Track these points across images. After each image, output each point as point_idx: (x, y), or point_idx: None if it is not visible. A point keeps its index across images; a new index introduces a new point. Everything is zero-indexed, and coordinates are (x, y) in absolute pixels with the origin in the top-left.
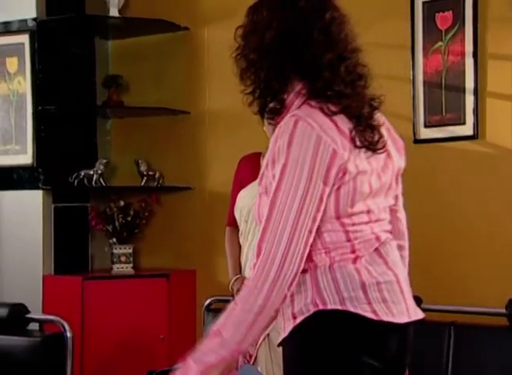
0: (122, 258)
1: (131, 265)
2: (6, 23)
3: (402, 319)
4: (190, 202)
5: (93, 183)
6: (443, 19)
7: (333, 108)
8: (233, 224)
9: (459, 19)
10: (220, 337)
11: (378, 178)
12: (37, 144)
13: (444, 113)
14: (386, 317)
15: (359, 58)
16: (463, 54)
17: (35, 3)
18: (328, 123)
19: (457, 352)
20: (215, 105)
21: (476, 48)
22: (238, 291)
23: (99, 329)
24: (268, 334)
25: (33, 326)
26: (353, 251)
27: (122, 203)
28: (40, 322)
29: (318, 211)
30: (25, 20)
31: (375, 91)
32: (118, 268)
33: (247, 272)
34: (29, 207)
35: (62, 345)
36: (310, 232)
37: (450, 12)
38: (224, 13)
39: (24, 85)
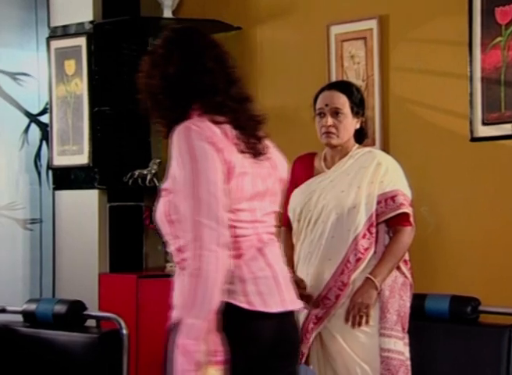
0: None
1: None
2: (64, 27)
3: (276, 309)
4: None
5: (147, 182)
6: (503, 13)
7: (220, 119)
8: (288, 224)
9: None
10: (192, 308)
11: (263, 183)
12: (93, 145)
13: (503, 110)
14: (260, 307)
15: (243, 83)
16: None
17: (92, 6)
18: (214, 128)
19: None
20: (266, 104)
21: None
22: None
23: (153, 326)
24: (319, 333)
25: (90, 322)
26: (236, 249)
27: None
28: (98, 319)
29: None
30: (82, 23)
31: (431, 88)
32: (171, 266)
33: (299, 271)
34: (85, 206)
35: (119, 342)
36: (224, 201)
37: (511, 5)
38: (276, 13)
39: (81, 87)
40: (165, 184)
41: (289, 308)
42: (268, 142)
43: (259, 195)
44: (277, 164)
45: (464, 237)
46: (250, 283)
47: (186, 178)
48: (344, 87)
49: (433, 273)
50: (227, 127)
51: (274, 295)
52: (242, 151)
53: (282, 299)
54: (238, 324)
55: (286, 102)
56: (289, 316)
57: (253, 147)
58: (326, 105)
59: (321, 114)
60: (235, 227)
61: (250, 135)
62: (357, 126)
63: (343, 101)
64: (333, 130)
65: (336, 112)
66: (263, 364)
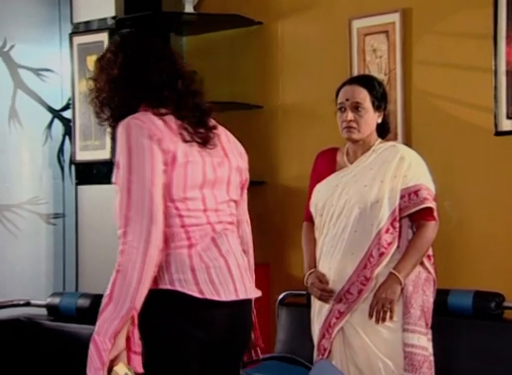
0: None
1: None
2: (87, 23)
3: (228, 297)
4: (262, 197)
5: None
6: None
7: (163, 111)
8: (310, 219)
9: None
10: (113, 303)
11: (213, 171)
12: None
13: None
14: (212, 296)
15: (194, 78)
16: None
17: (114, 2)
18: (156, 120)
19: None
20: (287, 99)
21: None
22: (312, 284)
23: None
24: (342, 328)
25: None
26: (188, 238)
27: None
28: None
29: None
30: (104, 19)
31: (455, 82)
32: None
33: (322, 265)
34: (107, 201)
35: None
36: (160, 197)
37: None
38: (298, 7)
39: None
40: (113, 178)
41: (242, 297)
42: (221, 131)
43: (209, 184)
44: (228, 152)
45: (488, 231)
46: (202, 273)
47: (123, 173)
48: (365, 81)
49: (456, 268)
50: (170, 118)
51: (227, 284)
52: (187, 141)
53: (235, 289)
54: (191, 313)
55: (308, 97)
56: (242, 304)
57: (200, 136)
58: (347, 100)
59: (342, 109)
60: (183, 216)
61: (198, 125)
62: (379, 120)
63: (363, 96)
64: (354, 124)
65: (356, 107)
66: (216, 352)
